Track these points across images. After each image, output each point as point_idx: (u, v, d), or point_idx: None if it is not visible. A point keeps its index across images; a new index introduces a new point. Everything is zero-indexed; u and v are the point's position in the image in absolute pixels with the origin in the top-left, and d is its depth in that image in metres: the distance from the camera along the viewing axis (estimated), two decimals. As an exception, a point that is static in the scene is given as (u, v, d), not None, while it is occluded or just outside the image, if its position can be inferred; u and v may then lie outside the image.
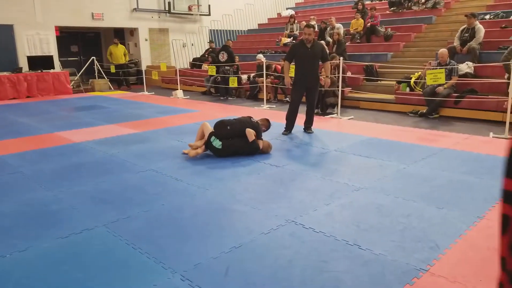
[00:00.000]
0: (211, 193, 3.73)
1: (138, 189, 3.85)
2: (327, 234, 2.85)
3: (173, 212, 3.31)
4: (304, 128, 6.35)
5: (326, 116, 7.83)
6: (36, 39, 12.74)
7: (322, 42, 11.43)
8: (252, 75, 11.19)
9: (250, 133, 4.84)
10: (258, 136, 5.00)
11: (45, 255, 2.65)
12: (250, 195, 3.66)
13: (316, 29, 12.15)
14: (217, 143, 4.77)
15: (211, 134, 4.80)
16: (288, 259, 2.54)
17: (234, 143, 4.85)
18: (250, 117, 5.15)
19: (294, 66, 6.34)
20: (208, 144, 4.82)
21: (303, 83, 6.11)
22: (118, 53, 13.64)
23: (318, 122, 6.77)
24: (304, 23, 13.33)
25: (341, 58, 8.02)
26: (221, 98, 11.05)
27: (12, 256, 2.64)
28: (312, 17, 13.98)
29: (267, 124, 5.40)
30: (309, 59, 6.01)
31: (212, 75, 11.35)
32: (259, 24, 17.97)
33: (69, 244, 2.79)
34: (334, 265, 2.47)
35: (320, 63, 6.33)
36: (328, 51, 7.61)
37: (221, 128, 4.89)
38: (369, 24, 11.41)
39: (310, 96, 6.22)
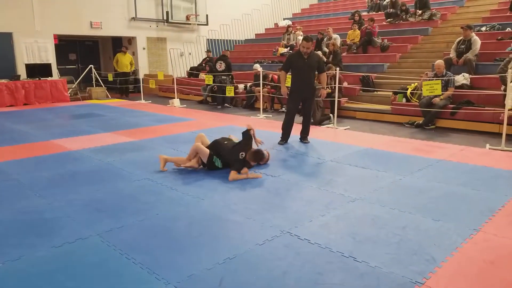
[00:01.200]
0: (206, 203, 3.71)
1: (133, 198, 3.83)
2: (322, 246, 2.84)
3: (167, 222, 3.29)
4: (300, 138, 6.35)
5: (322, 126, 7.85)
6: (34, 47, 12.76)
7: (319, 52, 11.51)
8: (248, 84, 11.23)
9: (233, 177, 4.46)
10: (236, 166, 4.54)
11: (39, 264, 2.62)
12: (245, 205, 3.64)
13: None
14: (218, 163, 4.70)
15: (211, 155, 4.67)
16: (282, 271, 2.52)
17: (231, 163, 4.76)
18: (239, 151, 4.63)
19: (290, 76, 6.38)
20: (210, 164, 4.71)
21: (299, 93, 6.12)
22: (125, 61, 13.61)
23: (314, 132, 6.77)
24: (299, 33, 13.47)
25: (338, 68, 8.06)
26: (218, 107, 11.07)
27: (5, 265, 2.61)
28: (298, 27, 14.10)
29: (254, 159, 4.68)
30: (305, 69, 6.03)
31: (209, 84, 11.39)
32: (256, 34, 18.09)
33: (63, 253, 2.77)
34: (329, 277, 2.45)
35: (317, 73, 6.36)
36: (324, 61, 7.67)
37: (217, 146, 4.75)
38: (367, 29, 11.48)
39: (306, 107, 6.23)
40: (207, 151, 4.68)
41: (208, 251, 2.78)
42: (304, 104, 6.23)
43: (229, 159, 4.64)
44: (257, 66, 11.19)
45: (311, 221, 3.27)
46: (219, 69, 11.21)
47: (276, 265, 2.59)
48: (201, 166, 4.78)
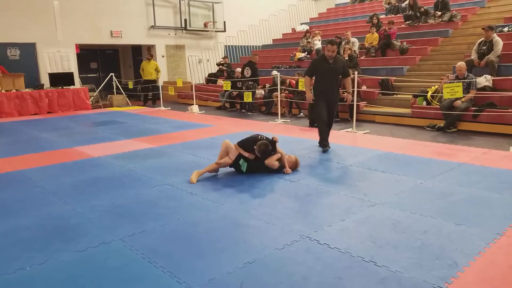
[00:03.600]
0: (226, 207, 3.74)
1: (154, 204, 3.89)
2: (342, 250, 2.82)
3: (188, 226, 3.33)
4: (319, 142, 6.32)
5: (340, 131, 7.80)
6: (57, 57, 13.13)
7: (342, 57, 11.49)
8: (264, 90, 11.27)
9: (272, 164, 4.80)
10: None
11: (63, 268, 2.69)
12: (265, 210, 3.66)
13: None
14: (244, 167, 4.77)
15: (239, 157, 4.76)
16: (302, 275, 2.52)
17: (257, 168, 4.82)
18: (258, 137, 4.87)
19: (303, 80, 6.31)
20: (235, 165, 4.80)
21: (324, 98, 5.96)
22: (150, 69, 13.60)
23: (333, 137, 6.74)
24: (317, 37, 13.46)
25: (356, 72, 8.01)
26: (249, 113, 11.05)
27: (31, 269, 2.69)
28: (317, 32, 14.08)
29: (257, 150, 4.68)
30: (330, 74, 5.92)
31: (227, 90, 11.48)
32: (273, 40, 18.15)
33: (86, 257, 2.83)
34: (349, 282, 2.44)
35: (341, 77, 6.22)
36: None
37: (248, 146, 4.84)
38: (385, 32, 11.41)
39: (329, 111, 6.08)
40: (236, 151, 4.78)
41: (228, 255, 2.80)
42: (328, 109, 6.04)
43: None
44: (274, 72, 11.29)
45: (331, 226, 3.26)
46: (246, 76, 11.37)
47: (296, 269, 2.59)
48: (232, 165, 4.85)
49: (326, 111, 6.03)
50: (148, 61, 13.71)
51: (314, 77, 6.18)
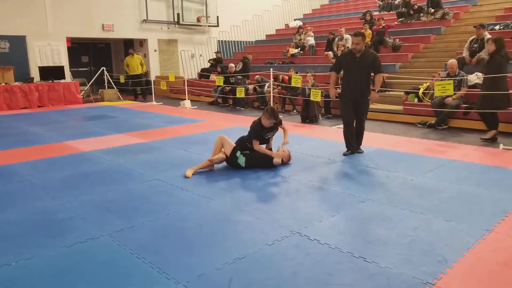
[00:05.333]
0: (216, 203, 3.73)
1: (143, 199, 3.86)
2: (332, 246, 2.82)
3: (178, 222, 3.31)
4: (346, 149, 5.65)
5: (326, 126, 7.81)
6: (47, 50, 12.96)
7: (330, 53, 11.48)
8: (250, 87, 11.24)
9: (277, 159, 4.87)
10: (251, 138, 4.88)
11: (50, 263, 2.66)
12: (255, 205, 3.64)
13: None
14: (241, 160, 4.73)
15: (235, 149, 4.75)
16: (292, 271, 2.51)
17: (256, 162, 4.82)
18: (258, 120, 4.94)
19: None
20: (231, 159, 4.75)
21: (352, 96, 5.46)
22: (134, 63, 13.34)
23: (325, 133, 6.75)
24: (310, 33, 13.43)
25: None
26: (242, 109, 10.95)
27: (18, 264, 2.65)
28: (309, 28, 14.06)
29: (269, 116, 4.79)
30: (357, 70, 5.37)
31: (219, 85, 11.43)
32: (266, 35, 18.10)
33: (74, 253, 2.80)
34: (338, 277, 2.44)
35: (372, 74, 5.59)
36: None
37: (242, 141, 4.95)
38: (381, 26, 11.43)
39: (359, 110, 5.53)
40: (232, 143, 4.78)
41: (218, 251, 2.79)
42: (356, 108, 5.52)
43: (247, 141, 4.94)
44: (257, 77, 11.30)
45: (321, 222, 3.25)
46: (237, 70, 11.37)
47: (286, 265, 2.59)
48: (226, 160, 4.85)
49: (351, 112, 5.51)
50: (132, 56, 13.40)
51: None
